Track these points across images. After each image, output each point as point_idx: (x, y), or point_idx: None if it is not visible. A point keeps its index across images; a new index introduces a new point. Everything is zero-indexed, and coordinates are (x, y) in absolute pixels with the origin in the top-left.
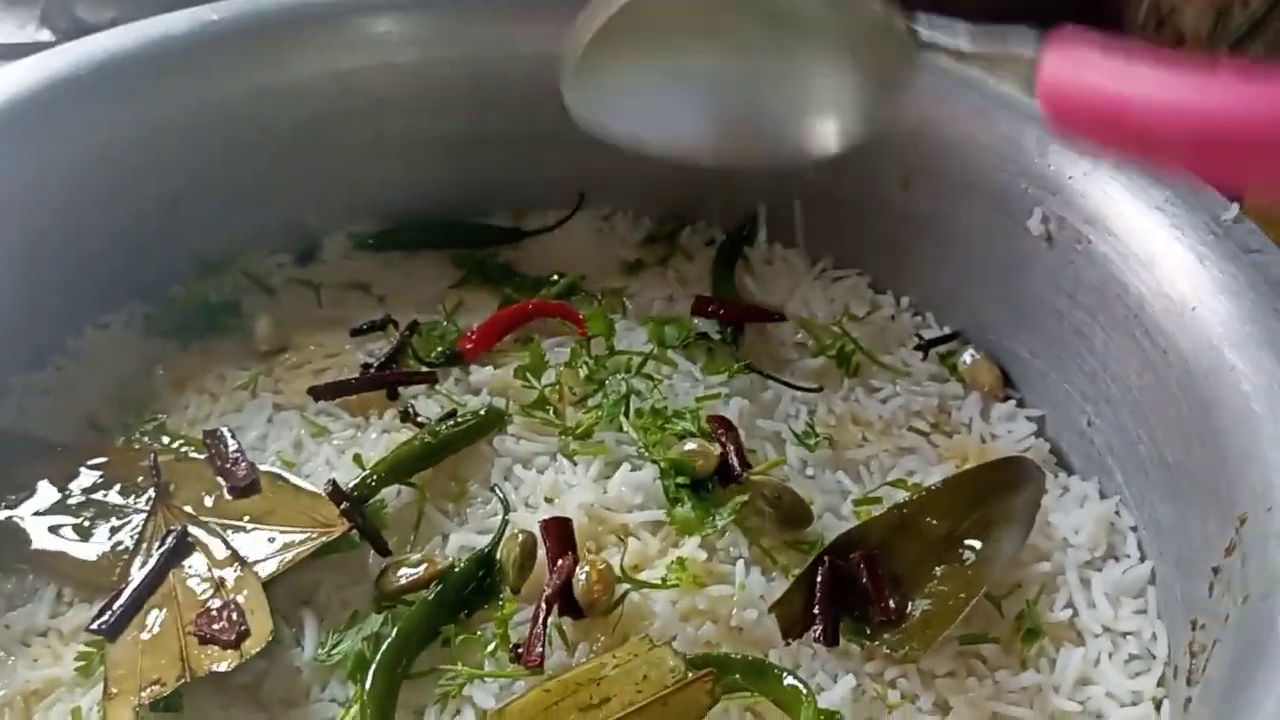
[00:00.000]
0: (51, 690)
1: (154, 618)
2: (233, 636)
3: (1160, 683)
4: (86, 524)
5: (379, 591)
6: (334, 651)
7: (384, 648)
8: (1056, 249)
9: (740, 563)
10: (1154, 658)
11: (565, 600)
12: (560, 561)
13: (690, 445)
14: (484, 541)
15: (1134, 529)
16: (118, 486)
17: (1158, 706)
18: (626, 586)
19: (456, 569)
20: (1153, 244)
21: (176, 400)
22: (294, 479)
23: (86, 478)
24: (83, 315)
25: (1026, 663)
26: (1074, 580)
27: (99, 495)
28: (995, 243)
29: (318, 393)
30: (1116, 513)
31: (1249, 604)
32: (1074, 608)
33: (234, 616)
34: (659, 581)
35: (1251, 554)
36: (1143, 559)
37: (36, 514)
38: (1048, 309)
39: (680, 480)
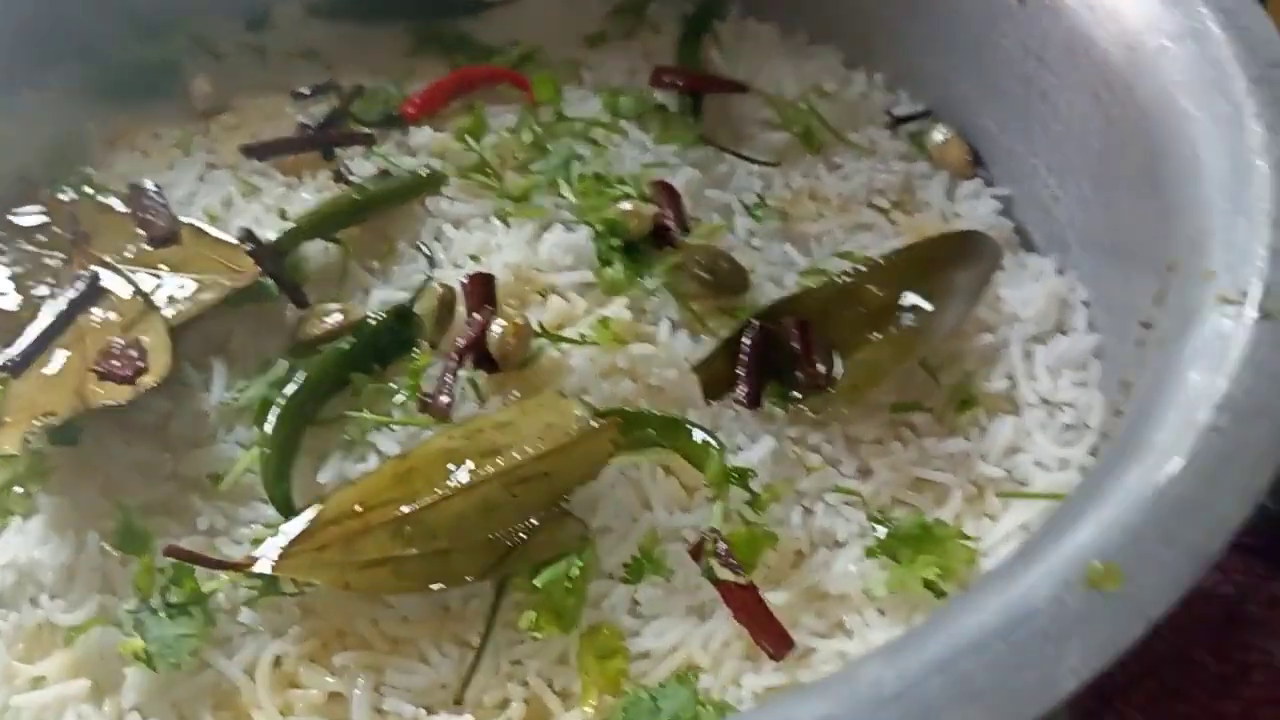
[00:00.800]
0: None
1: (59, 357)
2: (129, 372)
3: (1093, 452)
4: (4, 270)
5: (294, 341)
6: (242, 395)
7: (289, 391)
8: (1028, 6)
9: (665, 323)
10: (1088, 428)
11: (480, 354)
12: (477, 315)
13: (625, 205)
14: (407, 298)
15: (1085, 303)
16: (39, 238)
17: (1083, 473)
18: (544, 342)
19: (373, 320)
20: None
21: (108, 157)
22: (214, 231)
23: (10, 227)
24: (19, 73)
25: (956, 431)
26: (1016, 353)
27: (20, 244)
28: (965, 5)
29: (251, 151)
30: (1071, 288)
31: (1164, 349)
32: (1013, 379)
33: (133, 353)
34: (577, 338)
35: (1175, 297)
36: (1091, 332)
37: None
38: (1017, 74)
39: (614, 242)
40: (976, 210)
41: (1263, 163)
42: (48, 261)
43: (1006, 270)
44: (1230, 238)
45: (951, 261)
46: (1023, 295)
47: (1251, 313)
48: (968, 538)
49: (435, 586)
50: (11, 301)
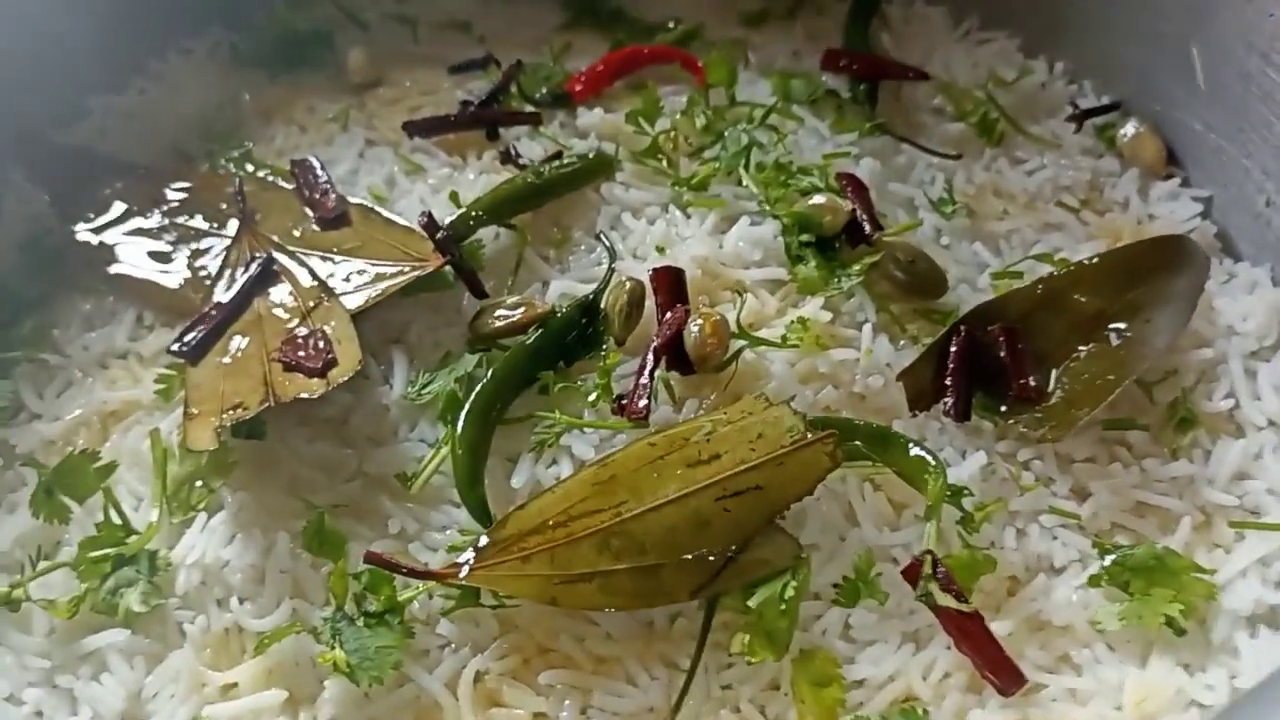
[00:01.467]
0: (130, 412)
1: (237, 344)
2: (319, 365)
3: None
4: (169, 248)
5: (473, 334)
6: (424, 390)
7: (478, 390)
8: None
9: (867, 327)
10: None
11: (674, 353)
12: (671, 313)
13: (818, 199)
14: (586, 290)
15: None
16: (201, 213)
17: None
18: (742, 343)
19: (558, 314)
20: None
21: (264, 130)
22: (386, 213)
23: (169, 202)
24: (166, 39)
25: (1178, 453)
26: (1237, 370)
27: (182, 220)
28: None
29: (413, 128)
30: None
31: None
32: (1235, 398)
33: (320, 345)
34: (778, 340)
35: None
36: None
37: (117, 236)
38: (1234, 71)
39: (805, 238)
40: (1174, 212)
41: None
42: (212, 239)
43: (1214, 280)
44: None
45: (1160, 268)
46: (1238, 307)
47: None
48: (1204, 570)
49: (643, 604)
50: (175, 278)
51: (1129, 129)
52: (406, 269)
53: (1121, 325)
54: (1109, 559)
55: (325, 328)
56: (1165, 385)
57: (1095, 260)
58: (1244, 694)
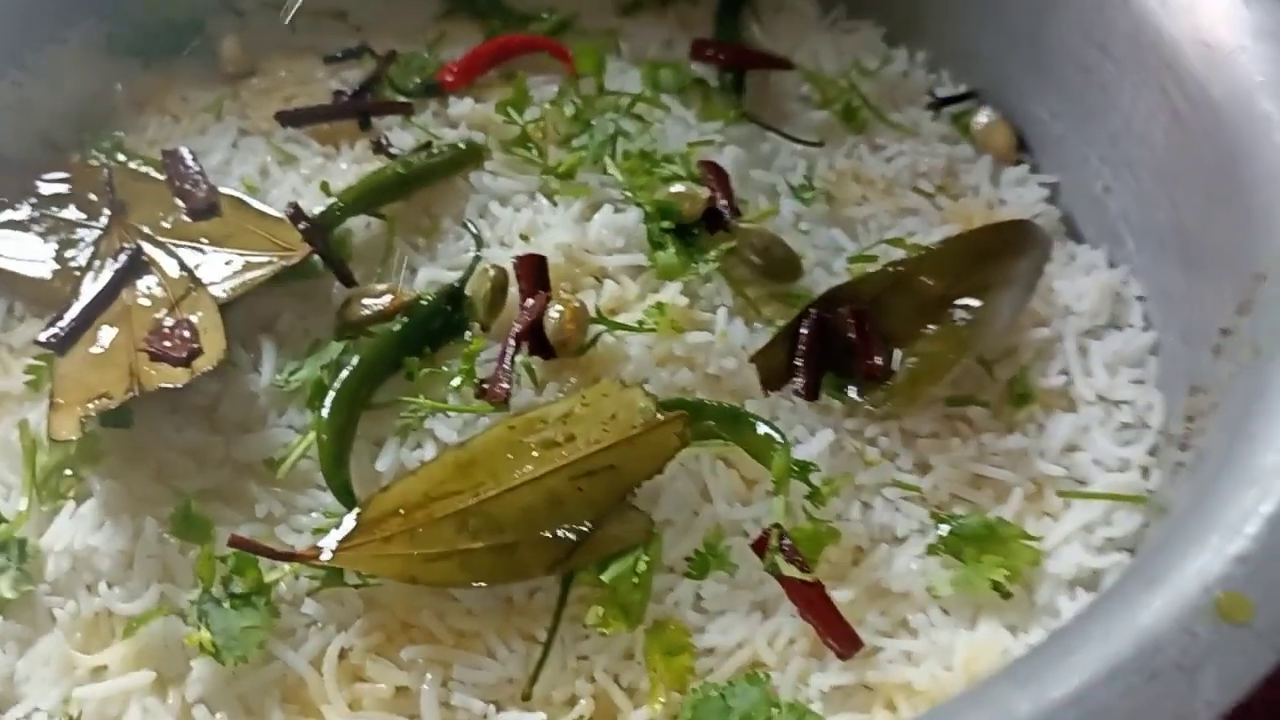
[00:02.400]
0: (0, 402)
1: (105, 334)
2: (184, 354)
3: (1152, 451)
4: (39, 239)
5: (341, 321)
6: (292, 378)
7: (344, 376)
8: None
9: (722, 311)
10: (1148, 427)
11: (536, 338)
12: (532, 299)
13: (678, 188)
14: (454, 277)
15: (1141, 299)
16: (73, 204)
17: (1145, 474)
18: (600, 328)
19: (424, 302)
20: None
21: (136, 120)
22: (256, 203)
23: (40, 193)
24: (40, 30)
25: (1014, 427)
26: (1072, 347)
27: (53, 211)
28: None
29: (287, 118)
30: (1125, 282)
31: (1258, 359)
32: (1069, 375)
33: (186, 334)
34: (635, 324)
35: (1267, 312)
36: (1147, 328)
37: None
38: (1075, 62)
39: (665, 224)
40: (1023, 197)
41: None
42: (82, 230)
43: (1056, 261)
44: None
45: (1004, 252)
46: (1075, 288)
47: None
48: (1031, 537)
49: (501, 580)
50: (45, 269)
51: (982, 117)
52: (275, 259)
53: (966, 306)
54: (945, 528)
55: (192, 317)
56: (1005, 363)
57: (943, 245)
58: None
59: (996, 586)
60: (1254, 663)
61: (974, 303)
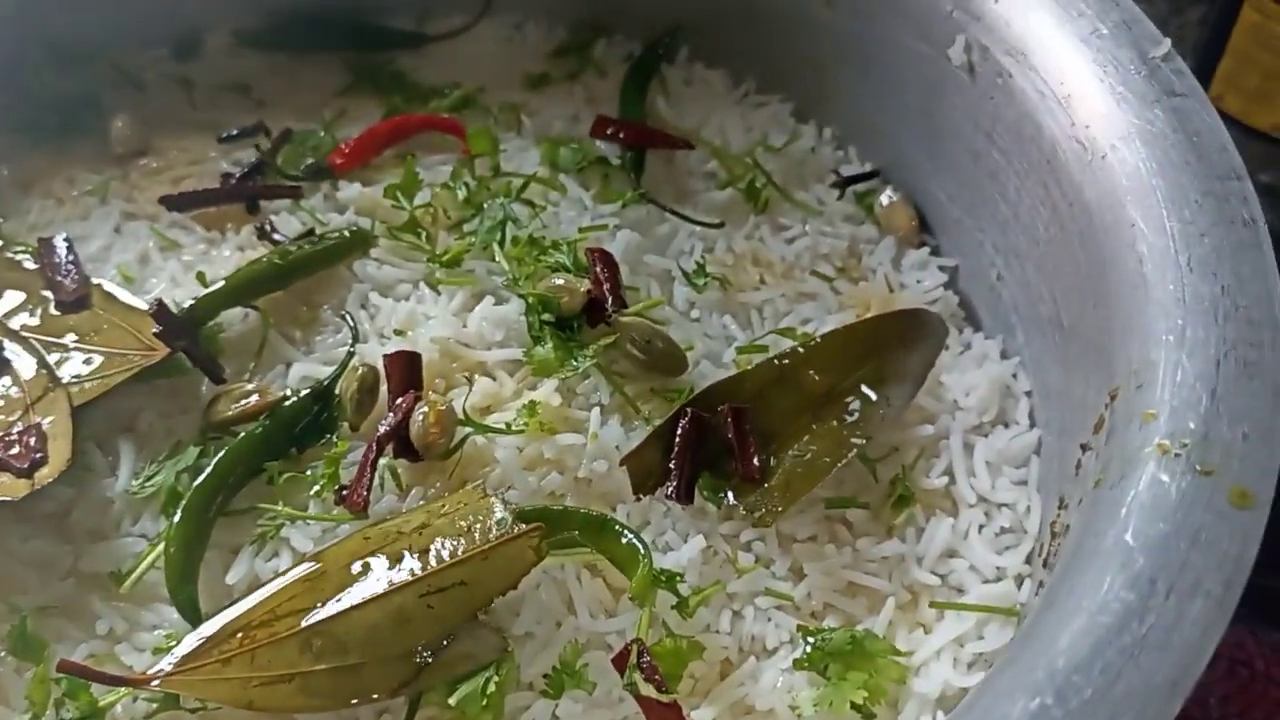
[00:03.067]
0: None
1: None
2: (25, 465)
3: (1028, 559)
4: None
5: (206, 422)
6: (148, 483)
7: (196, 483)
8: (978, 82)
9: (595, 410)
10: (1025, 533)
11: (401, 441)
12: (400, 400)
13: (558, 280)
14: (327, 374)
15: (1029, 394)
16: None
17: (1019, 583)
18: (468, 430)
19: (290, 402)
20: (1072, 81)
21: (20, 203)
22: (126, 296)
23: None
24: None
25: (893, 531)
26: (957, 445)
27: None
28: (916, 70)
29: (171, 203)
30: (1014, 376)
31: (1099, 489)
32: (951, 475)
33: (32, 442)
34: (504, 426)
35: (1114, 434)
36: (1032, 426)
37: None
38: (966, 147)
39: (546, 317)
40: (923, 281)
41: (1207, 289)
42: None
43: (950, 350)
44: (1172, 376)
45: (894, 345)
46: (966, 381)
47: (1190, 468)
48: (899, 653)
49: (344, 704)
50: None
51: (885, 197)
52: (135, 357)
53: (852, 402)
54: (810, 643)
55: (43, 423)
56: (888, 461)
57: (833, 336)
58: None
59: (858, 708)
60: None
61: (859, 400)
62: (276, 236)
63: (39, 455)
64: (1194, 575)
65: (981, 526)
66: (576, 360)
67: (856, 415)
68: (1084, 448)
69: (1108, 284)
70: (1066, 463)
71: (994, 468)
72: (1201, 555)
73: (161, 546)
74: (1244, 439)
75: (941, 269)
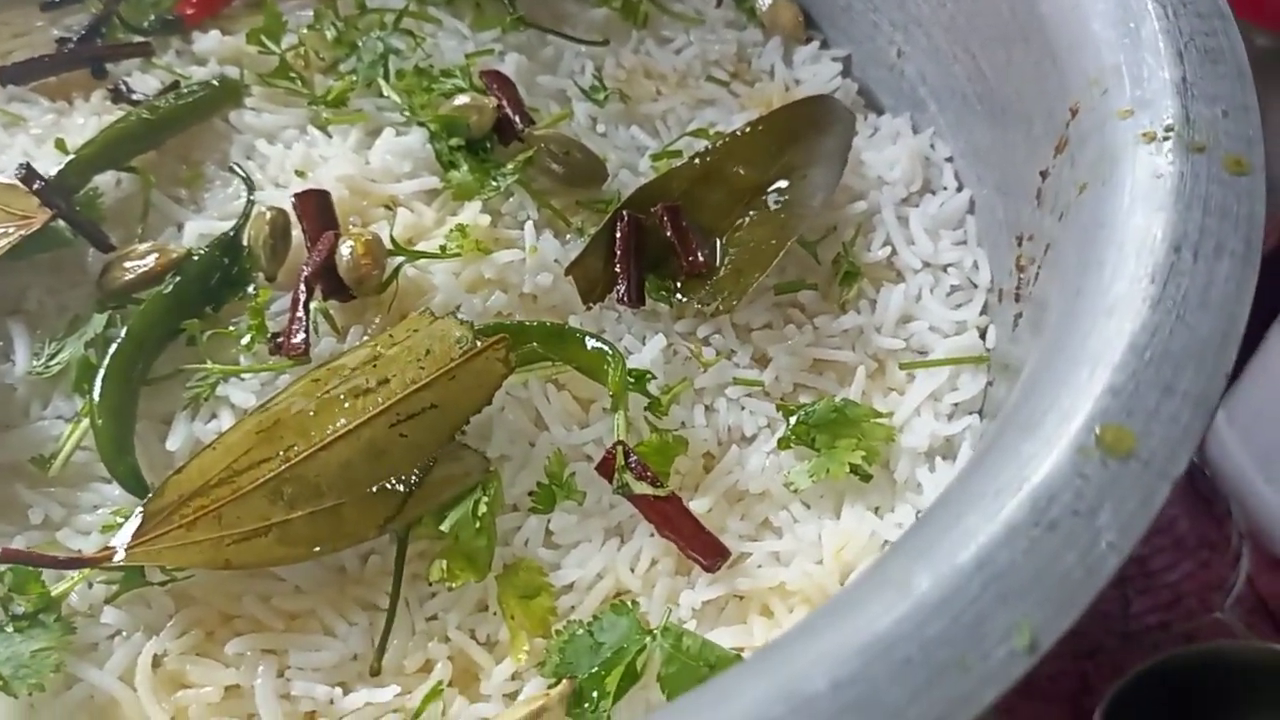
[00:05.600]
0: None
1: None
2: None
3: (984, 310)
4: None
5: (102, 291)
6: (53, 362)
7: (113, 350)
8: None
9: (529, 225)
10: (975, 286)
11: (330, 281)
12: (320, 239)
13: (462, 99)
14: (227, 227)
15: (949, 159)
16: None
17: (983, 334)
18: (400, 259)
19: (196, 257)
20: None
21: None
22: None
23: None
24: None
25: (846, 306)
26: (890, 218)
27: None
28: None
29: (5, 75)
30: (932, 145)
31: (1085, 193)
32: (892, 245)
33: None
34: (437, 251)
35: (1086, 141)
36: (960, 188)
37: None
38: None
39: (454, 142)
40: (818, 75)
41: None
42: None
43: (861, 135)
44: (1138, 73)
45: (809, 130)
46: (885, 158)
47: (1180, 147)
48: (881, 415)
49: (328, 549)
50: None
51: None
52: (10, 229)
53: (779, 188)
54: (794, 420)
55: None
56: (827, 242)
57: (746, 130)
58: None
59: (855, 470)
60: (1149, 495)
61: (786, 184)
62: (135, 97)
63: None
64: (1214, 238)
65: (932, 288)
66: (496, 180)
67: (787, 200)
68: (1043, 174)
69: (1038, 15)
70: (1017, 204)
71: (931, 233)
72: (1216, 220)
73: (86, 422)
74: (1224, 115)
75: (835, 60)
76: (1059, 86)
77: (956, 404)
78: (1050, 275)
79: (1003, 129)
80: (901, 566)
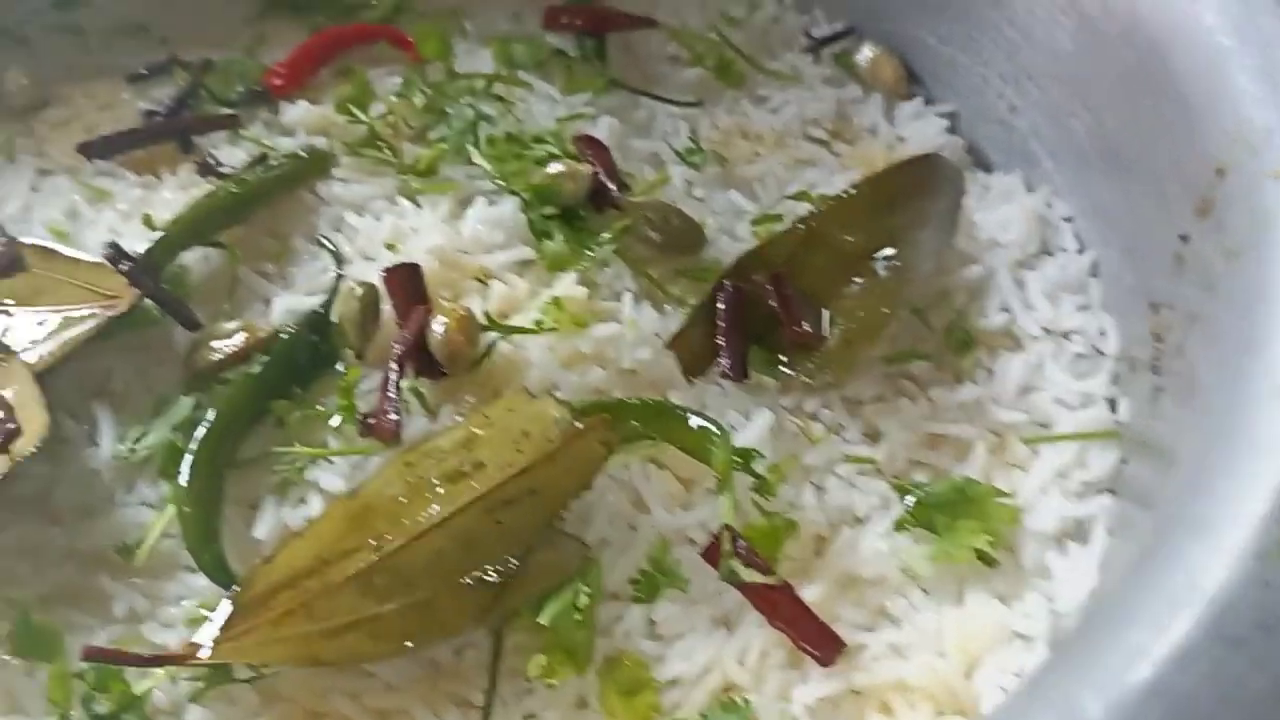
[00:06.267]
0: None
1: None
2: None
3: (1114, 380)
4: None
5: (189, 372)
6: (138, 445)
7: (201, 434)
8: None
9: (627, 297)
10: (1102, 355)
11: (421, 358)
12: (410, 314)
13: (556, 167)
14: (316, 303)
15: (1069, 219)
16: None
17: (1113, 406)
18: (494, 335)
19: (284, 335)
20: None
21: None
22: (66, 250)
23: None
24: None
25: (961, 377)
26: (1006, 281)
27: None
28: None
29: (91, 149)
30: (1048, 204)
31: (1238, 262)
32: (1009, 311)
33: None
34: (532, 325)
35: (1235, 205)
36: (1081, 250)
37: None
38: None
39: (547, 211)
40: (922, 132)
41: None
42: None
43: (971, 194)
44: None
45: (915, 191)
46: (998, 218)
47: None
48: (1004, 494)
49: (421, 643)
50: None
51: (865, 53)
52: (97, 310)
53: (887, 254)
54: (910, 500)
55: (4, 393)
56: (939, 309)
57: (850, 193)
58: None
59: (980, 555)
60: None
61: (894, 250)
62: (223, 170)
63: (10, 426)
64: None
65: (1054, 357)
66: (592, 250)
67: (896, 266)
68: (1183, 238)
69: (1170, 70)
70: (1150, 269)
71: (1051, 297)
72: None
73: (172, 509)
74: None
75: (940, 115)
76: (1195, 144)
77: (1086, 482)
78: (1200, 350)
79: (1128, 187)
80: (1066, 689)
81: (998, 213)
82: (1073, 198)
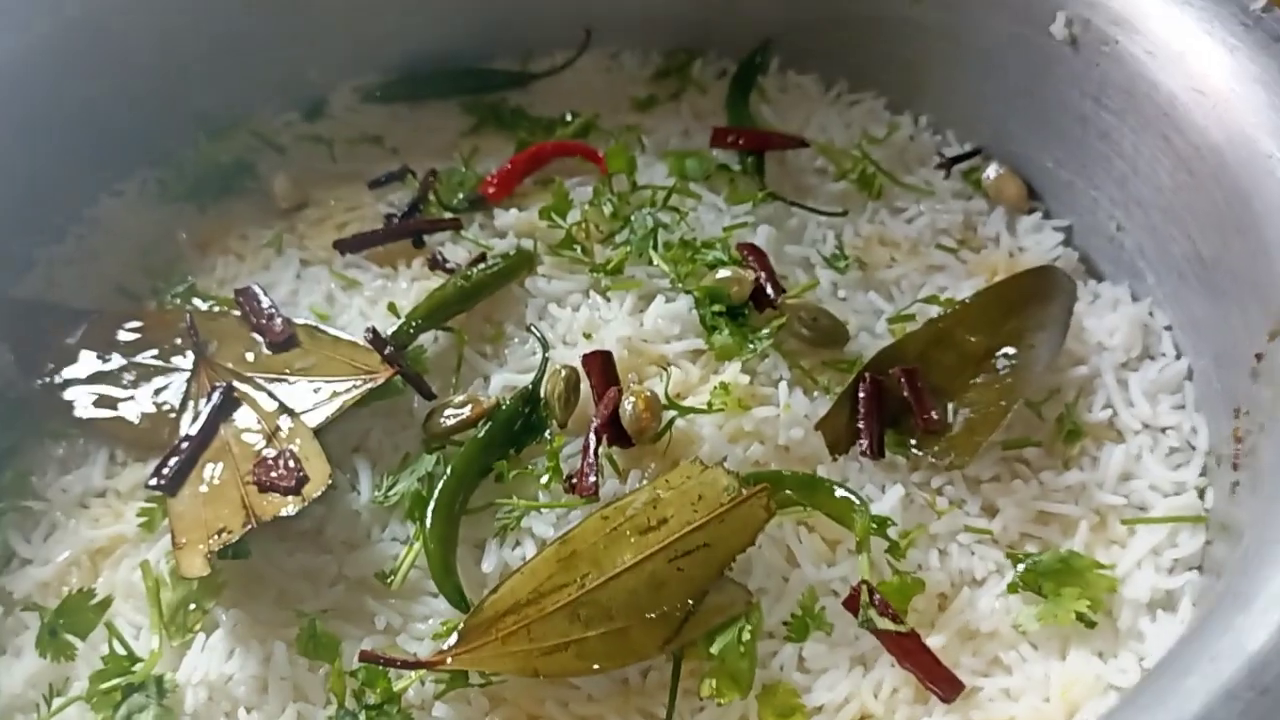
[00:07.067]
0: (117, 547)
1: (211, 471)
2: (292, 483)
3: (1203, 473)
4: (129, 386)
5: (427, 434)
6: (390, 493)
7: (440, 486)
8: (1081, 52)
9: (783, 384)
10: (1194, 449)
11: (614, 430)
12: (606, 393)
13: (724, 273)
14: (525, 380)
15: (1168, 328)
16: (155, 349)
17: (1201, 495)
18: (673, 413)
19: (503, 407)
20: (1183, 39)
21: (202, 262)
22: (331, 330)
23: (123, 342)
24: (96, 185)
25: (1069, 463)
26: (1111, 381)
27: (138, 358)
28: (1015, 52)
29: (344, 246)
30: (1150, 314)
31: None
32: (1113, 407)
33: (291, 464)
34: (704, 406)
35: None
36: (1179, 356)
37: (79, 381)
38: (1072, 115)
39: (716, 308)
40: (1040, 243)
41: None
42: (170, 374)
43: (1082, 301)
44: None
45: (1033, 298)
46: (1105, 324)
47: None
48: (1104, 566)
49: (616, 664)
50: (133, 412)
51: (991, 171)
52: (359, 383)
53: (1006, 353)
54: (1021, 567)
55: (292, 446)
56: (1051, 403)
57: (976, 298)
58: (1145, 675)
59: (1081, 617)
60: None
61: (1013, 350)
62: (449, 265)
63: (301, 474)
64: None
65: (1152, 449)
66: (754, 343)
67: (1014, 365)
68: (1258, 357)
69: (1252, 212)
70: (1234, 378)
71: (1151, 396)
72: None
73: (419, 545)
74: None
75: (1056, 229)
76: (1272, 278)
77: (1176, 559)
78: (1267, 451)
79: (1219, 307)
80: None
81: (1105, 319)
82: (1172, 309)
